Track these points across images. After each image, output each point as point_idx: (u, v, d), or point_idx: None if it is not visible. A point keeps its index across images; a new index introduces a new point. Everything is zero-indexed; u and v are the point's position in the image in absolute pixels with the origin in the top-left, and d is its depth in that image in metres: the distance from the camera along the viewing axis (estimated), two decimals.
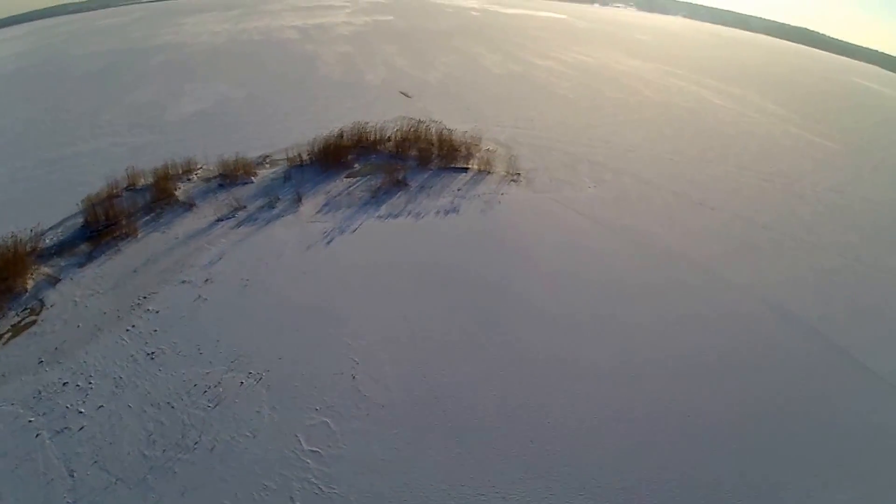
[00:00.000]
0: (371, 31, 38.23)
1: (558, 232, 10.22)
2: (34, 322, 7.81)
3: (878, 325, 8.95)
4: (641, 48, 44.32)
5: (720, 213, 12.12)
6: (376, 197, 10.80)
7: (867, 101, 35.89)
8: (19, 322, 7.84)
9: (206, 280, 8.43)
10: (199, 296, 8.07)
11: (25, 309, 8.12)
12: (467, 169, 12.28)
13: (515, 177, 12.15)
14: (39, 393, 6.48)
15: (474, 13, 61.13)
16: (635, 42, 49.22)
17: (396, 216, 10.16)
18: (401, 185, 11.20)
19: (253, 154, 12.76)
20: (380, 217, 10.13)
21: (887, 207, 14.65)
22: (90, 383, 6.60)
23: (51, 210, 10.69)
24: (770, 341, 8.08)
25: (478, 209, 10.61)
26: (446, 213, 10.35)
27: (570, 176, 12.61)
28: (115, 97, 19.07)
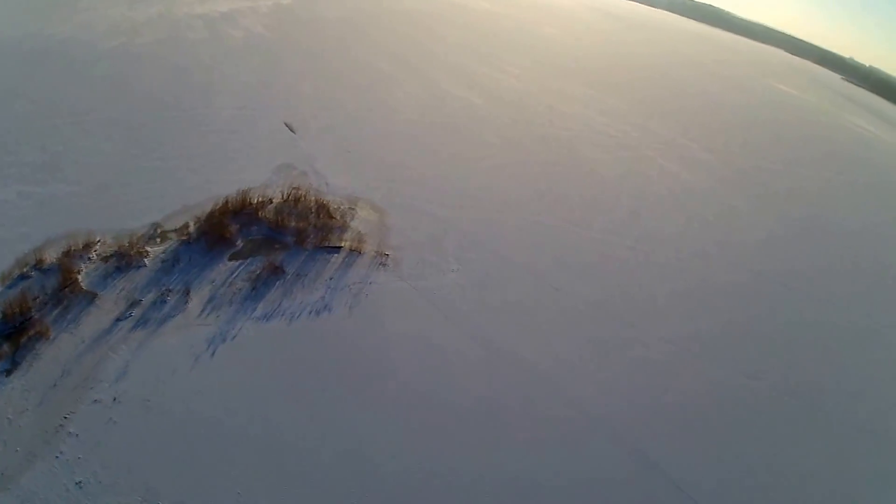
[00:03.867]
0: (276, 27, 37.02)
1: (416, 341, 12.53)
2: None
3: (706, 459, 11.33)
4: (557, 54, 47.27)
5: (573, 299, 14.19)
6: (256, 289, 12.64)
7: (785, 133, 35.42)
8: None
9: (115, 399, 10.84)
10: (111, 418, 10.58)
11: None
12: (340, 248, 13.82)
13: (384, 258, 13.92)
14: None
15: None
16: (545, 41, 51.13)
17: (271, 317, 12.26)
18: (278, 272, 12.92)
19: (145, 220, 13.66)
20: (257, 319, 12.24)
21: (749, 278, 15.90)
22: None
23: None
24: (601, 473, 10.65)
25: (347, 306, 12.76)
26: (318, 312, 12.50)
27: (436, 255, 14.44)
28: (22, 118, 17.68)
